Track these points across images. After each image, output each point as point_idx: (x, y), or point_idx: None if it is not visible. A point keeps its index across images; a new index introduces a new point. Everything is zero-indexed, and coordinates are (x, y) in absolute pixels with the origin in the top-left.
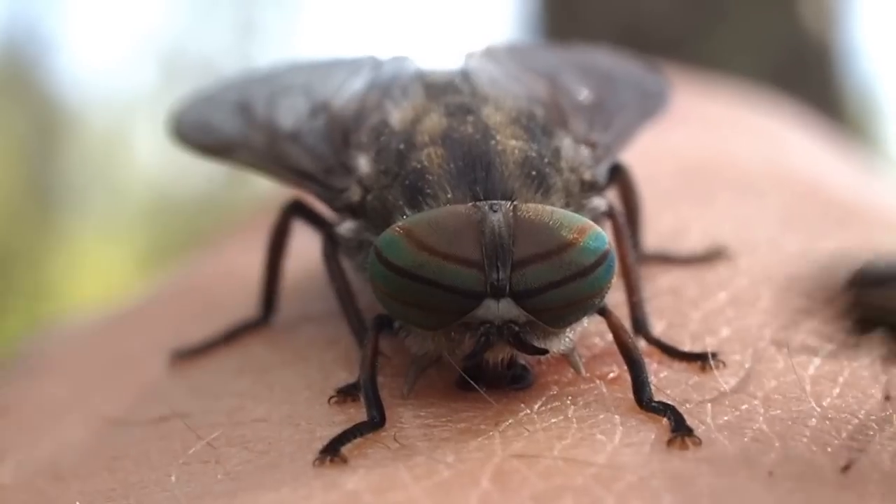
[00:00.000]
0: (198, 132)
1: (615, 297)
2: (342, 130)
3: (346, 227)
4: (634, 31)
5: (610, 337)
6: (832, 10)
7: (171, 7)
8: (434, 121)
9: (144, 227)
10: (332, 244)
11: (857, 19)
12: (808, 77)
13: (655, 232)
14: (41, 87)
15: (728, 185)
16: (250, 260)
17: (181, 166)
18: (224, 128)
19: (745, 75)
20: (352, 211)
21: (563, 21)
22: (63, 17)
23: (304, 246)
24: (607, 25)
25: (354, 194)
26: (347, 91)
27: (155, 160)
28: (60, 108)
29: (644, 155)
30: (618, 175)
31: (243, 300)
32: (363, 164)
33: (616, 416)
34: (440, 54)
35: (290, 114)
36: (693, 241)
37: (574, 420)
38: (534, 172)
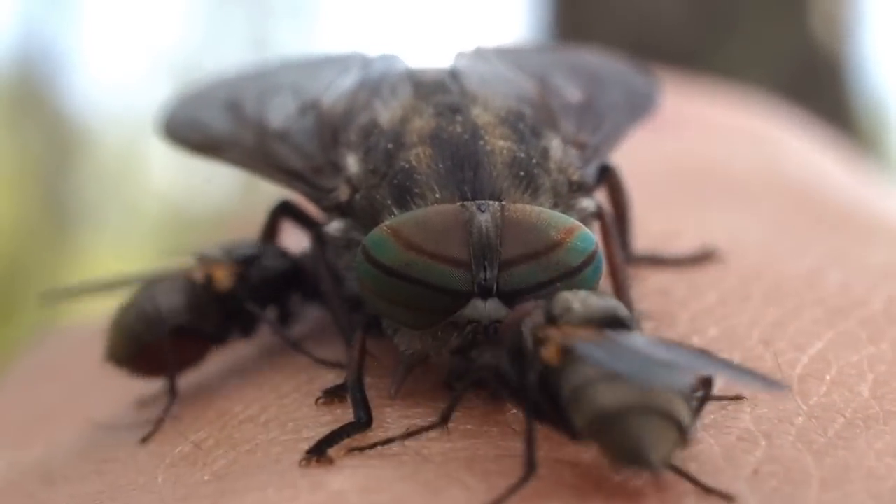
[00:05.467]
0: (187, 129)
1: None
2: (331, 129)
3: (335, 226)
4: (645, 45)
5: None
6: (843, 23)
7: (185, 23)
8: (423, 120)
9: (158, 243)
10: (321, 244)
11: (868, 33)
12: (819, 90)
13: (647, 235)
14: (56, 103)
15: (721, 189)
16: None
17: (195, 183)
18: (213, 125)
19: (756, 88)
20: (340, 210)
21: (572, 35)
22: (78, 34)
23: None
24: (617, 40)
25: (343, 193)
26: (337, 89)
27: (169, 176)
28: (75, 125)
29: (637, 159)
30: (607, 176)
31: None
32: (352, 163)
33: None
34: (430, 53)
35: (280, 112)
36: (684, 245)
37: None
38: (522, 173)
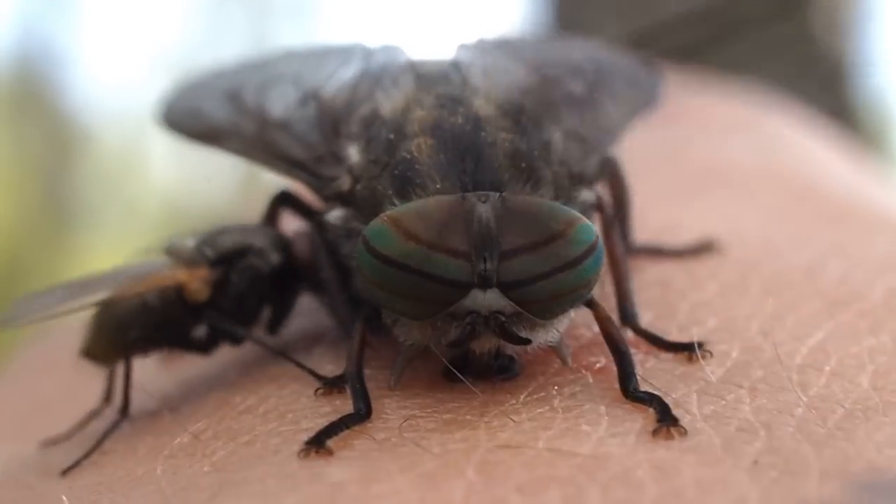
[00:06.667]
0: (187, 118)
1: (603, 289)
2: (332, 120)
3: (335, 214)
4: (644, 43)
5: (597, 328)
6: (845, 22)
7: (185, 22)
8: (424, 111)
9: (159, 242)
10: (321, 233)
11: (871, 32)
12: (821, 91)
13: (647, 227)
14: (55, 103)
15: (721, 182)
16: None
17: (195, 182)
18: (214, 115)
19: (757, 85)
20: (341, 200)
21: (572, 34)
22: (77, 33)
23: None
24: (616, 37)
25: (344, 183)
26: (338, 80)
27: (169, 176)
28: (75, 125)
29: (638, 152)
30: (607, 168)
31: None
32: (353, 153)
33: (602, 407)
34: (432, 45)
35: (281, 102)
36: (684, 237)
37: (560, 410)
38: (523, 164)
